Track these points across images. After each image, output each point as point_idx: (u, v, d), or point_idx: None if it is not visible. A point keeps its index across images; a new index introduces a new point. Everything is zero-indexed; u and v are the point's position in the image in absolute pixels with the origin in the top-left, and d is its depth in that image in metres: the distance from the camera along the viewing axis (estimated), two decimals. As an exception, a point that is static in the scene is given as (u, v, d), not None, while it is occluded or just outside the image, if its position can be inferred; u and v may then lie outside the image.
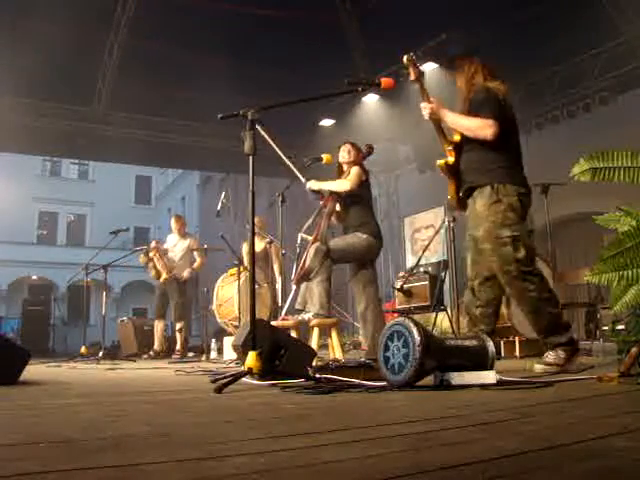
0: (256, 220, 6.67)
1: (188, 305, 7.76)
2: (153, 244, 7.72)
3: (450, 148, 3.25)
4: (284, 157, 4.52)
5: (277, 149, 4.40)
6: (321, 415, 1.70)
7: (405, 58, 3.20)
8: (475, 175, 3.18)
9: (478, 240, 3.21)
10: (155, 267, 7.51)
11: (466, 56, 3.29)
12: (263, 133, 4.16)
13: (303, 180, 4.54)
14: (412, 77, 3.20)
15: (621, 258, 2.08)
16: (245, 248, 6.79)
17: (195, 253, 7.75)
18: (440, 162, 3.28)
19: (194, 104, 9.35)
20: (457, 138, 3.24)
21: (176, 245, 7.82)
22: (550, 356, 3.06)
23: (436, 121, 3.22)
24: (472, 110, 3.15)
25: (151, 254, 7.53)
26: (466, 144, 3.23)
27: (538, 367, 3.09)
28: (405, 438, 1.23)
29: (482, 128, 3.06)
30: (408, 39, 7.93)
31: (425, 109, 3.17)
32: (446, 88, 8.08)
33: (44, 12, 7.37)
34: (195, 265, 7.69)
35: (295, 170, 4.58)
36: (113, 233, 7.14)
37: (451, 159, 3.26)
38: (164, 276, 7.42)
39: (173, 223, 7.98)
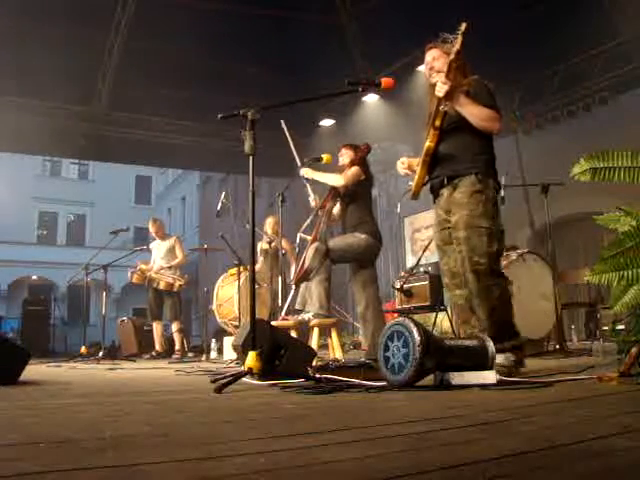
0: (271, 221, 6.71)
1: (179, 303, 7.57)
2: (137, 267, 7.54)
3: (437, 132, 3.04)
4: (288, 135, 4.58)
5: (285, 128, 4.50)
6: (321, 415, 1.70)
7: (464, 26, 2.92)
8: (459, 164, 3.06)
9: (452, 228, 3.09)
10: (150, 279, 7.38)
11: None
12: (284, 127, 4.23)
13: (299, 164, 4.54)
14: (458, 46, 2.89)
15: (621, 258, 2.08)
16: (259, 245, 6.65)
17: (177, 250, 7.53)
18: (430, 144, 3.06)
19: (194, 104, 9.35)
20: (438, 123, 3.03)
21: (160, 249, 7.61)
22: (499, 359, 2.79)
23: (445, 99, 2.95)
24: (472, 99, 2.99)
25: (147, 274, 7.38)
26: (451, 131, 3.05)
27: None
28: (405, 438, 1.23)
29: (492, 120, 2.96)
30: (408, 39, 7.94)
31: (445, 85, 2.89)
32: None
33: (45, 12, 7.38)
34: (174, 263, 7.43)
35: (295, 152, 4.63)
36: (113, 233, 7.13)
37: (432, 144, 3.08)
38: (162, 284, 7.31)
39: (150, 227, 7.72)
